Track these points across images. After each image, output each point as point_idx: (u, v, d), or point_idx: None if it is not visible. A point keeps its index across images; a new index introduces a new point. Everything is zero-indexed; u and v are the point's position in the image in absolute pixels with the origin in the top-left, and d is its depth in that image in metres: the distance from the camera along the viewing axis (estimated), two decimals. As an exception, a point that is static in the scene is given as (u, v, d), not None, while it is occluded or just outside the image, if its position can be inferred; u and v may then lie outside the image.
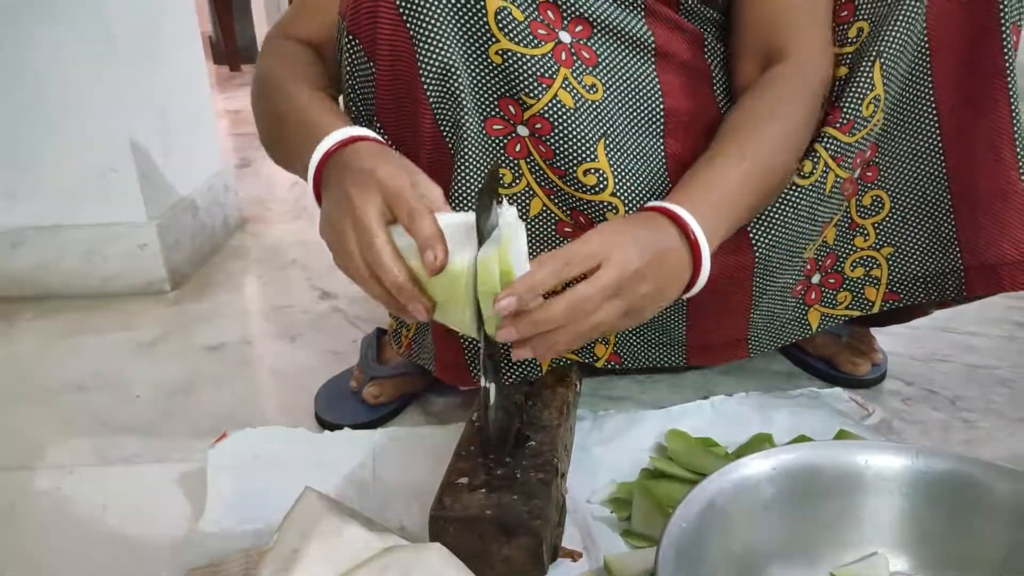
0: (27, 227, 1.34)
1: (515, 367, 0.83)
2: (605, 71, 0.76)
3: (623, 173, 0.76)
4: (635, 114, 0.78)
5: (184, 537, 0.74)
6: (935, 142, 0.81)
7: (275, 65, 0.80)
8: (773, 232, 0.79)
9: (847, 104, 0.77)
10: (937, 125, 0.80)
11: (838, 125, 0.77)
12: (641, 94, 0.78)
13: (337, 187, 0.63)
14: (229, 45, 4.19)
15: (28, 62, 1.25)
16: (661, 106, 0.79)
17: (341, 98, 0.79)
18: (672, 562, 0.53)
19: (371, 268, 0.60)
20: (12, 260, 1.35)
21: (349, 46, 0.72)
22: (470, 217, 0.61)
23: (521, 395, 0.81)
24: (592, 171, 0.74)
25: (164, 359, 1.14)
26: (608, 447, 0.84)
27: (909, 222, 0.85)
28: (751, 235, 0.79)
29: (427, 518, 0.65)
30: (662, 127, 0.79)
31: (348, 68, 0.74)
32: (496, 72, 0.72)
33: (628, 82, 0.77)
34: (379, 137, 0.68)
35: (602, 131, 0.75)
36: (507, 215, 0.61)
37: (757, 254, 0.80)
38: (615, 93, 0.77)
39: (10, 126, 1.29)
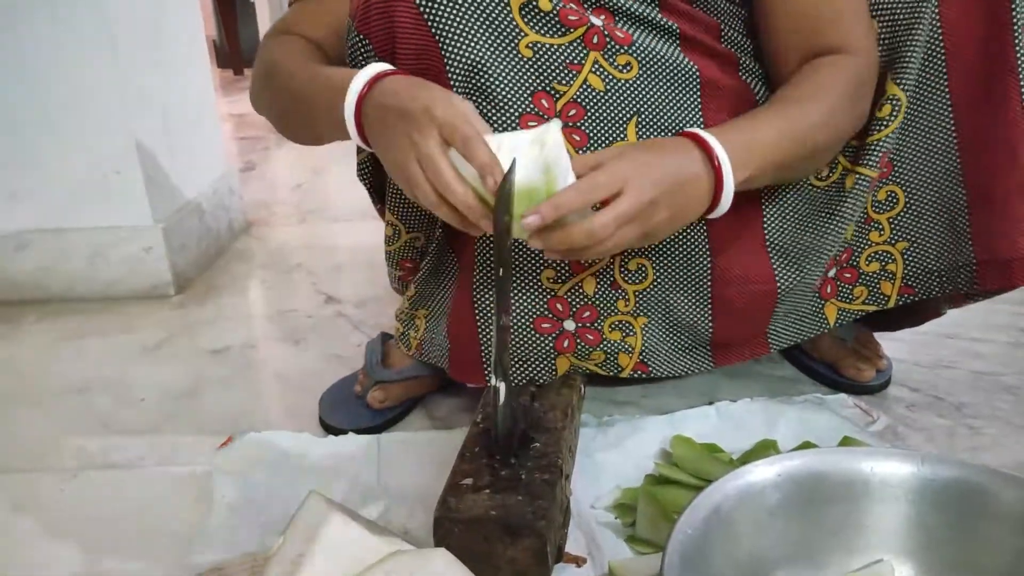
0: (31, 230, 1.34)
1: (524, 369, 0.83)
2: (640, 50, 0.76)
3: None
4: (673, 89, 0.78)
5: (189, 541, 0.73)
6: (950, 139, 0.81)
7: (279, 54, 0.81)
8: (789, 223, 0.82)
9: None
10: (952, 122, 0.81)
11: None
12: (677, 69, 0.78)
13: (392, 129, 0.66)
14: (233, 49, 4.20)
15: (31, 63, 1.25)
16: (697, 79, 0.79)
17: None
18: (677, 569, 0.53)
19: (442, 195, 0.64)
20: (16, 263, 1.35)
21: (360, 46, 0.73)
22: (514, 135, 0.65)
23: (526, 397, 0.81)
24: None
25: (168, 362, 1.14)
26: (612, 453, 0.84)
27: (924, 217, 0.85)
28: (765, 229, 0.82)
29: (431, 521, 0.65)
30: (699, 99, 0.80)
31: (358, 61, 0.74)
32: (528, 66, 0.73)
33: (662, 60, 0.78)
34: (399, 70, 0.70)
35: (635, 109, 0.77)
36: (553, 136, 0.64)
37: (770, 249, 0.83)
38: (651, 69, 0.77)
39: (13, 128, 1.29)
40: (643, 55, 0.76)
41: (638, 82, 0.77)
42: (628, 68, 0.76)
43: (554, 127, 0.64)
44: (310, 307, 1.30)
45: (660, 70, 0.78)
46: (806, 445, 0.80)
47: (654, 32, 0.77)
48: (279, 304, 1.33)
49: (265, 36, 0.87)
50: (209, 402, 1.02)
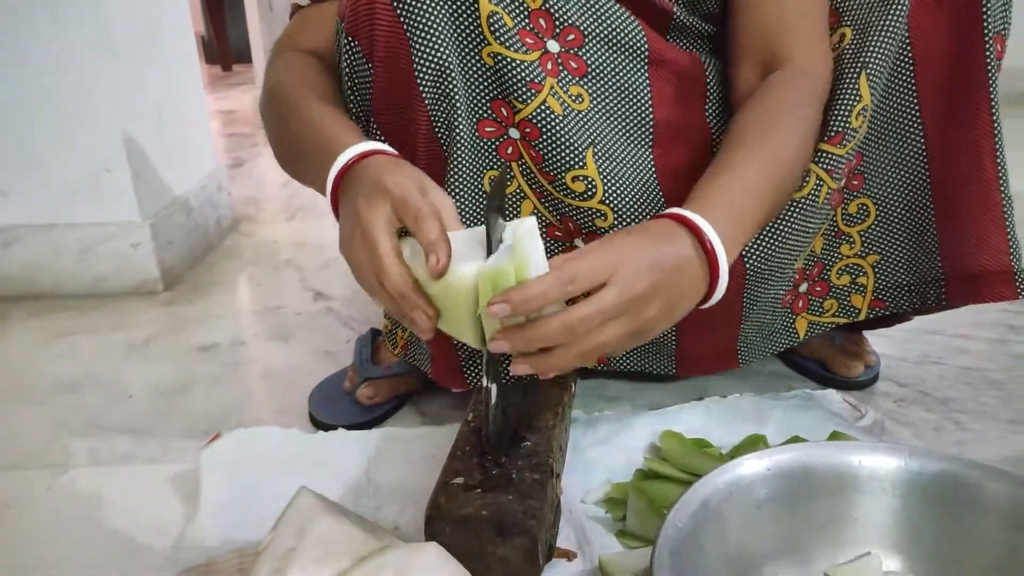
0: (20, 226, 1.33)
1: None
2: (593, 81, 0.76)
3: (613, 181, 0.76)
4: (624, 123, 0.78)
5: (178, 537, 0.73)
6: (919, 151, 0.81)
7: (284, 78, 0.80)
8: (765, 246, 0.78)
9: (836, 116, 0.76)
10: (922, 134, 0.80)
11: (827, 138, 0.76)
12: (631, 104, 0.78)
13: (350, 201, 0.63)
14: (221, 45, 4.18)
15: (24, 60, 1.25)
16: (651, 117, 0.79)
17: None
18: (667, 563, 0.54)
19: (378, 276, 0.59)
20: (5, 259, 1.34)
21: (347, 48, 0.72)
22: (481, 231, 0.60)
23: (518, 394, 0.81)
24: (580, 178, 0.75)
25: (157, 359, 1.13)
26: (603, 448, 0.84)
27: (894, 230, 0.85)
28: (742, 251, 0.78)
29: (422, 518, 0.64)
30: (651, 137, 0.80)
31: (347, 70, 0.74)
32: (488, 74, 0.72)
33: (618, 92, 0.78)
34: (392, 151, 0.67)
35: (590, 139, 0.75)
36: (526, 224, 0.57)
37: (748, 268, 0.79)
38: (603, 102, 0.77)
39: (4, 124, 1.29)
40: (597, 87, 0.76)
41: (590, 115, 0.76)
42: (580, 99, 0.75)
43: (528, 221, 0.57)
44: (299, 304, 1.30)
45: (614, 105, 0.77)
46: (795, 440, 0.80)
47: (621, 57, 0.77)
48: (268, 301, 1.33)
49: (272, 50, 0.86)
50: (198, 399, 1.02)
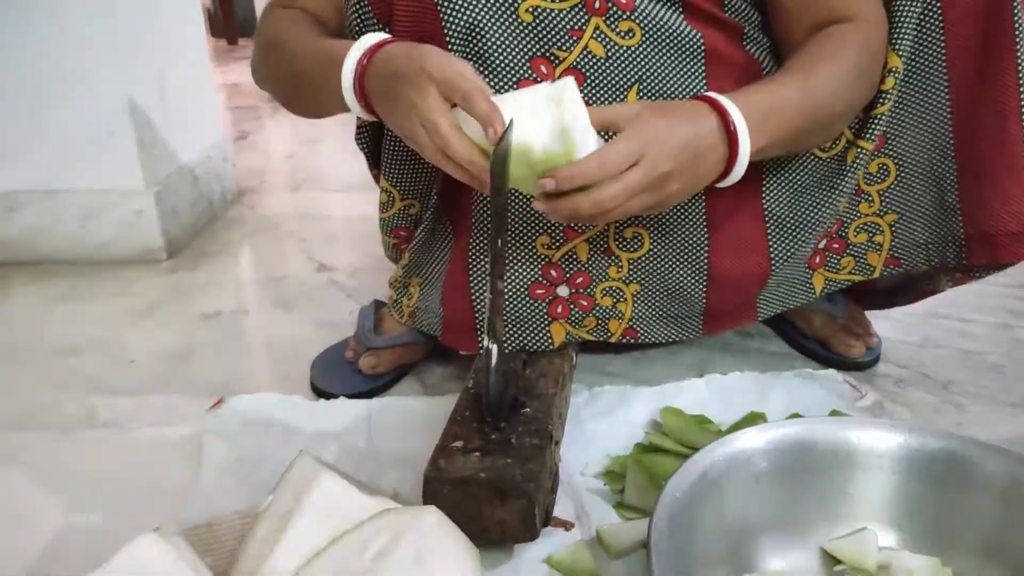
0: (23, 191, 1.33)
1: (516, 335, 0.84)
2: (643, 16, 0.76)
3: None
4: (676, 57, 0.78)
5: (179, 499, 0.74)
6: (945, 113, 0.81)
7: (279, 29, 0.80)
8: (789, 194, 0.82)
9: None
10: (948, 96, 0.81)
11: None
12: (680, 37, 0.77)
13: (393, 94, 0.66)
14: (227, 19, 4.16)
15: (27, 24, 1.24)
16: (702, 47, 0.78)
17: None
18: (666, 530, 0.54)
19: (445, 152, 0.64)
20: (7, 224, 1.34)
21: (357, 7, 0.72)
22: (524, 94, 0.65)
23: (518, 363, 0.81)
24: None
25: (160, 326, 1.14)
26: (603, 421, 0.84)
27: (914, 190, 0.85)
28: (764, 200, 0.82)
29: (421, 484, 0.65)
30: (703, 68, 0.79)
31: (356, 27, 0.73)
32: (527, 31, 0.72)
33: (665, 27, 0.77)
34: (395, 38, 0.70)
35: (636, 76, 0.76)
36: (568, 95, 0.63)
37: (770, 213, 0.83)
38: (654, 36, 0.76)
39: (7, 89, 1.28)
40: (646, 21, 0.76)
41: (641, 49, 0.76)
42: (631, 35, 0.75)
43: (570, 84, 0.63)
44: (302, 275, 1.30)
45: (663, 37, 0.77)
46: (795, 418, 0.81)
47: (663, 5, 0.76)
48: (271, 271, 1.33)
49: (264, 8, 0.86)
50: (200, 366, 1.02)
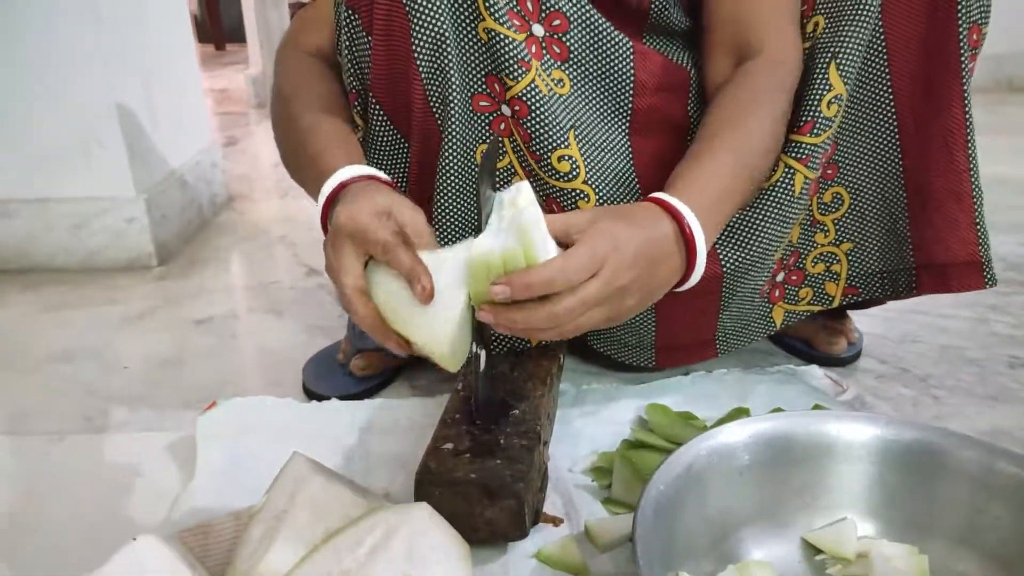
0: (14, 199, 1.34)
1: (504, 339, 0.85)
2: (575, 66, 0.78)
3: (593, 163, 0.79)
4: (603, 109, 0.80)
5: (175, 501, 0.75)
6: (893, 140, 0.82)
7: (286, 85, 0.82)
8: (742, 236, 0.80)
9: (807, 105, 0.77)
10: (895, 123, 0.81)
11: (797, 127, 0.77)
12: (611, 91, 0.80)
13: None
14: (214, 24, 4.16)
15: (14, 32, 1.25)
16: (631, 104, 0.81)
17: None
18: (650, 523, 0.56)
19: (348, 312, 0.63)
20: (-2, 232, 1.35)
21: (348, 20, 0.73)
22: (456, 251, 0.62)
23: (506, 365, 0.83)
24: (566, 158, 0.76)
25: (151, 332, 1.15)
26: (590, 419, 0.86)
27: (867, 218, 0.86)
28: (717, 245, 0.80)
29: (412, 484, 0.66)
30: (628, 124, 0.81)
31: (347, 43, 0.75)
32: (483, 48, 0.73)
33: (599, 78, 0.79)
34: (373, 172, 0.69)
35: (571, 122, 0.77)
36: (523, 196, 0.60)
37: (725, 259, 0.80)
38: (583, 88, 0.78)
39: (-3, 98, 1.29)
40: (578, 72, 0.78)
41: (571, 100, 0.78)
42: (561, 84, 0.77)
43: (525, 187, 0.60)
44: (292, 279, 1.31)
45: (593, 91, 0.79)
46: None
47: (605, 45, 0.78)
48: (261, 276, 1.34)
49: (278, 51, 0.87)
50: (193, 371, 1.03)
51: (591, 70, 0.79)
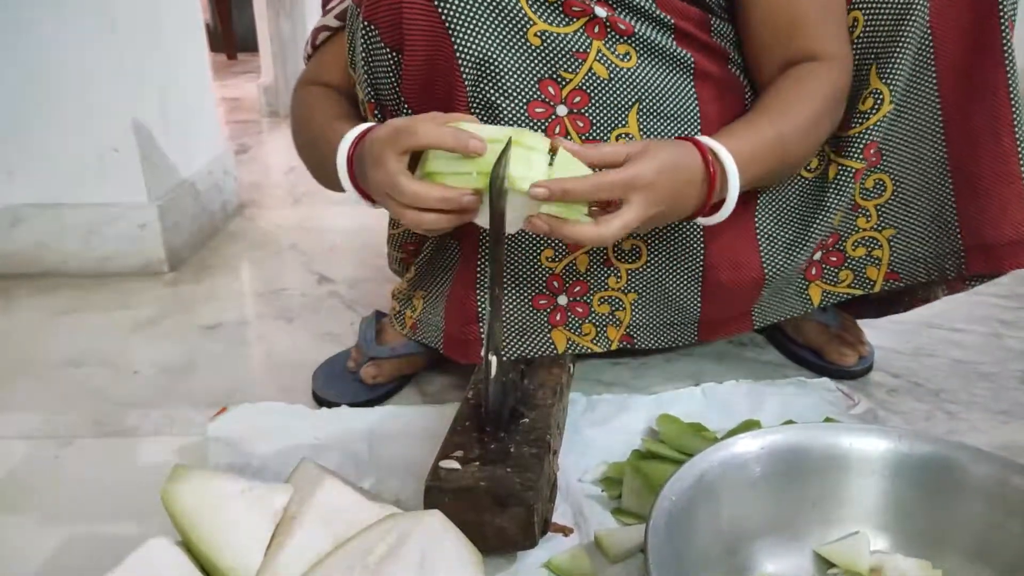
0: (27, 205, 1.34)
1: (525, 344, 0.86)
2: (639, 40, 0.78)
3: (653, 136, 0.80)
4: (670, 77, 0.80)
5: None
6: (937, 128, 0.83)
7: (302, 109, 0.88)
8: (779, 213, 0.85)
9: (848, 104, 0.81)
10: (940, 112, 0.83)
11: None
12: (673, 59, 0.80)
13: (366, 179, 0.71)
14: (227, 33, 4.19)
15: (31, 40, 1.26)
16: (692, 67, 0.81)
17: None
18: (662, 535, 0.55)
19: (416, 205, 0.67)
20: (11, 238, 1.35)
21: (365, 32, 0.74)
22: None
23: (517, 374, 0.83)
24: (624, 136, 0.79)
25: (162, 338, 1.15)
26: (600, 429, 0.85)
27: (911, 205, 0.87)
28: (757, 225, 0.84)
29: (422, 492, 0.66)
30: (693, 87, 0.82)
31: (363, 54, 0.75)
32: (535, 54, 0.75)
33: (659, 50, 0.80)
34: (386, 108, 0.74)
35: (636, 97, 0.79)
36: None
37: (760, 237, 0.85)
38: (650, 59, 0.79)
39: (12, 104, 1.30)
40: (642, 45, 0.78)
41: (638, 71, 0.79)
42: (628, 57, 0.78)
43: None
44: (303, 286, 1.31)
45: (658, 60, 0.79)
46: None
47: (651, 24, 0.79)
48: (272, 283, 1.34)
49: (294, 89, 0.92)
50: (203, 377, 1.03)
51: (652, 45, 0.79)
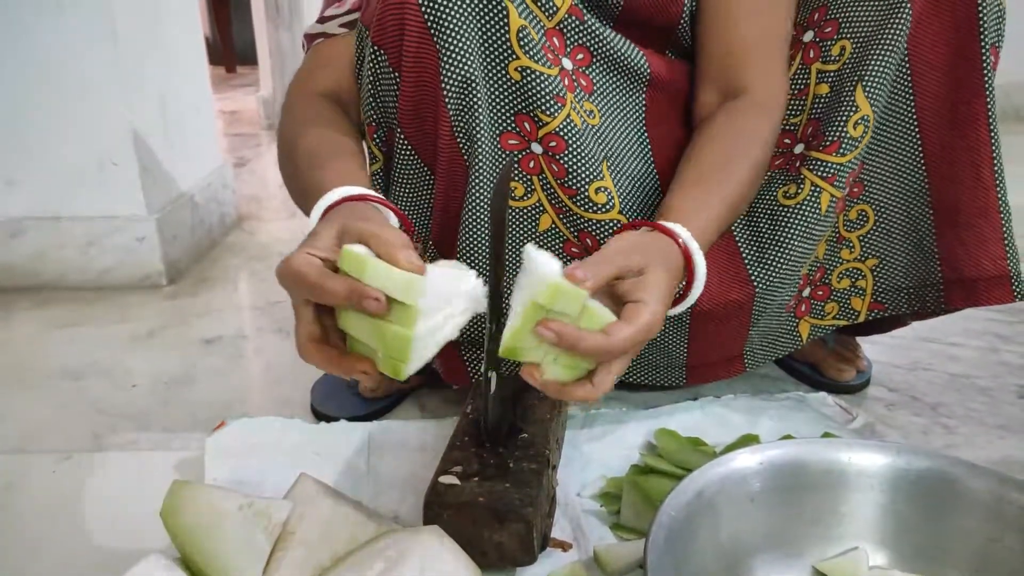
0: (26, 217, 1.35)
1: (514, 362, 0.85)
2: (600, 98, 0.79)
3: (625, 193, 0.80)
4: (629, 139, 0.82)
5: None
6: (918, 159, 0.83)
7: (297, 125, 0.80)
8: (771, 256, 0.82)
9: (833, 126, 0.79)
10: (920, 143, 0.82)
11: (823, 147, 0.79)
12: (630, 121, 0.82)
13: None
14: (226, 46, 4.21)
15: (32, 52, 1.26)
16: (646, 134, 0.83)
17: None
18: (661, 550, 0.55)
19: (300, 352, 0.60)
20: (10, 250, 1.36)
21: (373, 56, 0.73)
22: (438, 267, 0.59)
23: (515, 388, 0.83)
24: (602, 189, 0.77)
25: (160, 350, 1.15)
26: (599, 444, 0.85)
27: (893, 235, 0.87)
28: (747, 265, 0.83)
29: (421, 507, 0.66)
30: (651, 152, 0.83)
31: (371, 78, 0.75)
32: (514, 88, 0.74)
33: (620, 109, 0.81)
34: (362, 191, 0.66)
35: (604, 153, 0.79)
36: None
37: (756, 282, 0.83)
38: (610, 119, 0.80)
39: (12, 116, 1.30)
40: (605, 104, 0.80)
41: (602, 130, 0.79)
42: (592, 115, 0.79)
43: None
44: (302, 300, 1.31)
45: (618, 121, 0.81)
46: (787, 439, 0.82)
47: (622, 78, 0.80)
48: (271, 296, 1.34)
49: (287, 95, 0.86)
50: (201, 390, 1.03)
51: (612, 102, 0.80)
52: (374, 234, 0.56)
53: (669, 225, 0.68)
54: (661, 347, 0.88)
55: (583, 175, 0.76)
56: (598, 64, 0.79)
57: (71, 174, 1.33)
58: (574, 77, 0.77)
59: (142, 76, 1.35)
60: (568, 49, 0.77)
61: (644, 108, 0.82)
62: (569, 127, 0.75)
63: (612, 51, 0.79)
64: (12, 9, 1.24)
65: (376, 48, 0.73)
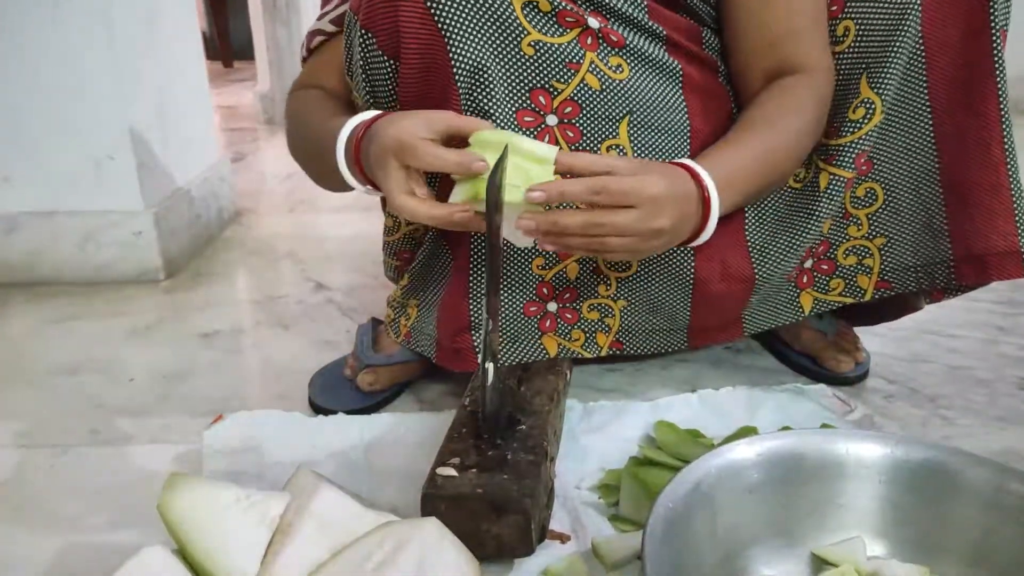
0: (22, 212, 1.34)
1: (517, 350, 0.86)
2: (630, 52, 0.79)
3: (643, 148, 0.81)
4: (660, 88, 0.81)
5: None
6: (929, 139, 0.84)
7: (297, 108, 0.88)
8: (771, 228, 0.85)
9: (833, 109, 0.81)
10: (931, 123, 0.83)
11: (825, 131, 0.82)
12: (663, 69, 0.81)
13: (375, 171, 0.70)
14: (223, 41, 4.20)
15: (29, 48, 1.26)
16: (680, 77, 0.82)
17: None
18: (659, 541, 0.55)
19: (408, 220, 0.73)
20: (7, 245, 1.35)
21: (362, 40, 0.74)
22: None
23: (513, 380, 0.83)
24: (614, 147, 0.79)
25: (158, 345, 1.15)
26: (597, 436, 0.85)
27: (902, 214, 0.87)
28: (748, 234, 0.84)
29: (419, 499, 0.66)
30: (683, 99, 0.83)
31: (360, 62, 0.76)
32: (528, 64, 0.75)
33: (650, 61, 0.81)
34: (386, 110, 0.73)
35: (627, 109, 0.79)
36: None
37: (750, 247, 0.85)
38: (641, 70, 0.80)
39: (9, 111, 1.30)
40: (633, 57, 0.79)
41: (630, 83, 0.79)
42: (620, 69, 0.79)
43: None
44: (300, 294, 1.31)
45: (649, 71, 0.80)
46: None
47: (642, 34, 0.80)
48: (268, 290, 1.34)
49: (289, 91, 0.92)
50: (199, 384, 1.03)
51: (643, 56, 0.80)
52: (457, 117, 0.68)
53: (686, 161, 0.73)
54: (665, 312, 0.89)
55: (596, 135, 0.79)
56: (617, 24, 0.79)
57: (68, 169, 1.33)
58: (600, 35, 0.77)
59: (139, 71, 1.34)
60: (586, 10, 0.77)
61: (681, 71, 0.82)
62: (583, 90, 0.77)
63: (627, 15, 0.80)
64: (10, 7, 1.23)
65: (364, 31, 0.74)
